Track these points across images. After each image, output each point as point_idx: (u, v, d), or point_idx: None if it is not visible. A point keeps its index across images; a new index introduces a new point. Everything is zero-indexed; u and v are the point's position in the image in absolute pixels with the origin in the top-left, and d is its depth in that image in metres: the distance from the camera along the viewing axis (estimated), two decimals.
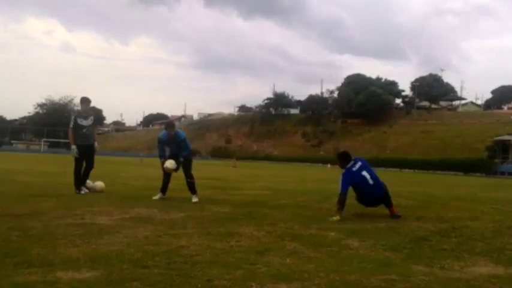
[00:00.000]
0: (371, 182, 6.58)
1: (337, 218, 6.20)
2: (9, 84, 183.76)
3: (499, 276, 3.55)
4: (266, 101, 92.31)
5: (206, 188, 10.17)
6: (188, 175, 8.22)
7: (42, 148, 75.53)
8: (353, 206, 7.93)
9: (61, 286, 2.88)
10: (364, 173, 6.60)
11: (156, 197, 8.13)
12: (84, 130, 8.71)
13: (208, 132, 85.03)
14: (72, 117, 8.90)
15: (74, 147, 8.63)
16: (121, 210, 6.45)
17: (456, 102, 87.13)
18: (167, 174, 8.29)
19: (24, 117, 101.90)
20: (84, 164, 8.79)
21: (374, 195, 6.67)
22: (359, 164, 6.67)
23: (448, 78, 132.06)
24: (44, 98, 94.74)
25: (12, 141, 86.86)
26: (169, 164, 8.06)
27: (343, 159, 6.84)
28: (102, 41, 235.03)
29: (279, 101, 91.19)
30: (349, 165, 6.68)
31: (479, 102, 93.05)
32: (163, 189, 8.32)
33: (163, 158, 8.27)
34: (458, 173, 43.15)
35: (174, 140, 8.19)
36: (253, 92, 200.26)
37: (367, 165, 6.81)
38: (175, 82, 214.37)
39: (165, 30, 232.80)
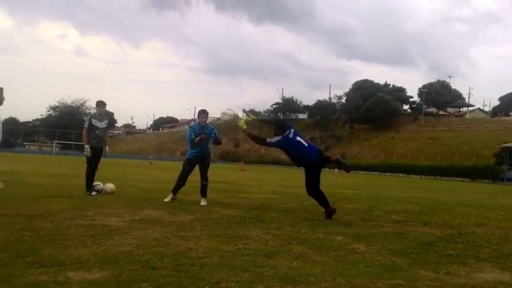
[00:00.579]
0: (306, 144, 7.02)
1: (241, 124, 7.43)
2: (22, 87, 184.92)
3: (505, 283, 3.56)
4: (275, 106, 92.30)
5: (215, 191, 10.21)
6: (205, 178, 8.31)
7: (54, 150, 75.85)
8: (360, 211, 7.96)
9: (71, 286, 2.93)
10: (299, 138, 7.00)
11: (167, 199, 8.18)
12: (97, 132, 8.86)
13: None
14: (88, 117, 9.12)
15: (87, 146, 8.76)
16: (131, 212, 6.52)
17: (464, 109, 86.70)
18: (184, 177, 8.30)
19: (37, 120, 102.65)
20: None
21: (312, 154, 6.98)
22: (293, 130, 7.03)
23: (455, 84, 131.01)
24: (56, 100, 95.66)
25: (25, 143, 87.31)
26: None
27: (280, 128, 7.12)
28: (114, 44, 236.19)
29: (288, 105, 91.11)
30: (285, 133, 6.97)
31: (486, 109, 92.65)
32: (175, 190, 8.36)
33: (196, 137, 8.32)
34: (465, 179, 42.92)
35: (205, 128, 8.31)
36: (262, 97, 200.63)
37: (298, 132, 7.20)
38: (185, 86, 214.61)
39: (177, 34, 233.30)
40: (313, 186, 7.02)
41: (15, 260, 3.51)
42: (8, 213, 5.77)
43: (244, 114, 8.17)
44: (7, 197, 7.51)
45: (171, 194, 8.32)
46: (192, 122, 8.63)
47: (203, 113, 8.42)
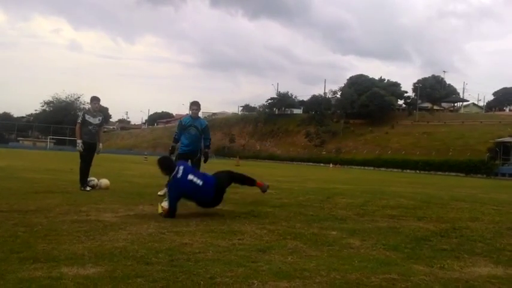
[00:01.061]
0: (200, 182, 5.98)
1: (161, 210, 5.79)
2: (16, 82, 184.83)
3: (499, 277, 3.58)
4: (270, 101, 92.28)
5: None
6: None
7: (48, 145, 75.67)
8: (355, 206, 7.99)
9: (66, 282, 2.92)
10: (190, 176, 5.99)
11: (161, 192, 8.17)
12: (90, 127, 8.87)
13: (212, 131, 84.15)
14: (81, 113, 9.18)
15: (79, 141, 8.77)
16: (125, 207, 6.52)
17: (458, 104, 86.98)
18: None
19: (31, 115, 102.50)
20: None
21: (209, 194, 6.02)
22: (181, 168, 6.06)
23: (450, 79, 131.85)
24: (50, 96, 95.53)
25: (19, 138, 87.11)
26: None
27: (164, 167, 6.15)
28: (108, 39, 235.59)
29: (283, 101, 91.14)
30: (173, 172, 6.02)
31: (481, 103, 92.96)
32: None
33: (175, 142, 8.36)
34: (460, 174, 43.19)
35: (197, 121, 8.31)
36: (257, 92, 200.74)
37: (189, 167, 6.48)
38: (180, 81, 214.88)
39: (171, 29, 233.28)
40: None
41: (9, 255, 3.50)
42: (2, 209, 5.76)
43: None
44: (1, 193, 7.50)
45: (165, 188, 8.30)
46: (182, 118, 8.58)
47: (195, 104, 8.37)
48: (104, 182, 9.25)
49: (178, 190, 5.91)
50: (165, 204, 5.92)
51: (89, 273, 3.14)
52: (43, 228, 4.62)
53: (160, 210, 5.87)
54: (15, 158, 25.52)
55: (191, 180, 5.94)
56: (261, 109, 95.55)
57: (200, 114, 8.71)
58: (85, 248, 3.86)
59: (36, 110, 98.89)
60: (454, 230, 5.78)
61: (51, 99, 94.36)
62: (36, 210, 5.80)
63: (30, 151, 50.27)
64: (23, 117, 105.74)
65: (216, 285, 2.99)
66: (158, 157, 6.42)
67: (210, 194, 6.03)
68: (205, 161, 8.59)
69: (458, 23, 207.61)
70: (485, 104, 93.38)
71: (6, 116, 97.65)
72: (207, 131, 8.50)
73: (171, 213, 5.78)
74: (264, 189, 6.91)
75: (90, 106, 9.26)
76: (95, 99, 9.11)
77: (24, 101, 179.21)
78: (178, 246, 4.10)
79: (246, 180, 6.70)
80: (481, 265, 3.99)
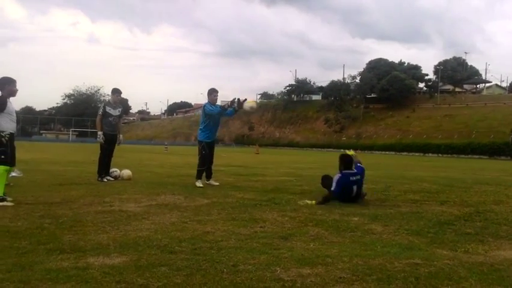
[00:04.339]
0: (353, 194, 6.56)
1: (311, 202, 6.28)
2: (37, 75, 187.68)
3: None
4: (288, 88, 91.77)
5: (230, 175, 10.26)
6: (212, 161, 8.52)
7: (70, 138, 76.90)
8: (376, 191, 7.94)
9: (92, 271, 2.97)
10: (355, 187, 6.54)
11: (199, 184, 8.20)
12: (110, 119, 8.96)
13: (231, 120, 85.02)
14: (102, 105, 9.28)
15: (100, 133, 8.88)
16: (148, 197, 6.59)
17: (480, 86, 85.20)
18: (207, 160, 8.35)
19: (52, 108, 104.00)
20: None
21: (348, 199, 6.53)
22: (357, 176, 6.64)
23: (472, 61, 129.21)
24: (71, 88, 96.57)
25: (42, 132, 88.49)
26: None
27: (346, 164, 6.77)
28: (126, 30, 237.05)
29: (301, 87, 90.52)
30: (348, 171, 6.66)
31: (504, 84, 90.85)
32: (200, 175, 8.38)
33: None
34: (483, 156, 42.50)
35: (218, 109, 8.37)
36: (275, 79, 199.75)
37: (363, 176, 6.86)
38: (198, 70, 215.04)
39: (188, 19, 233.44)
40: None
41: (36, 247, 3.58)
42: (28, 201, 5.88)
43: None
44: (26, 186, 7.65)
45: (199, 180, 8.31)
46: (205, 105, 8.59)
47: (214, 91, 8.47)
48: (126, 172, 9.36)
49: (342, 184, 6.47)
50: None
51: (114, 262, 3.19)
52: (68, 220, 4.71)
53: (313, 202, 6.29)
54: (39, 151, 25.97)
55: (352, 188, 6.54)
56: (279, 96, 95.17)
57: (219, 103, 8.75)
58: (110, 238, 3.93)
59: (57, 103, 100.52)
60: (478, 214, 5.71)
61: (71, 92, 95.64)
62: (61, 202, 5.91)
63: (53, 144, 51.14)
64: (45, 110, 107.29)
65: (239, 273, 3.01)
66: (343, 154, 7.07)
67: (352, 199, 6.55)
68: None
69: (479, 2, 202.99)
70: (508, 85, 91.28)
71: (29, 110, 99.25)
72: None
73: (327, 199, 6.35)
74: None
75: (110, 98, 9.35)
76: (116, 91, 9.21)
77: (46, 95, 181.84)
78: (201, 234, 4.14)
79: None
80: (506, 248, 3.93)
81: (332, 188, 6.47)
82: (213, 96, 8.45)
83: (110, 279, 2.83)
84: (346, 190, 6.49)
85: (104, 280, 2.81)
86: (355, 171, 6.73)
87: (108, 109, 8.97)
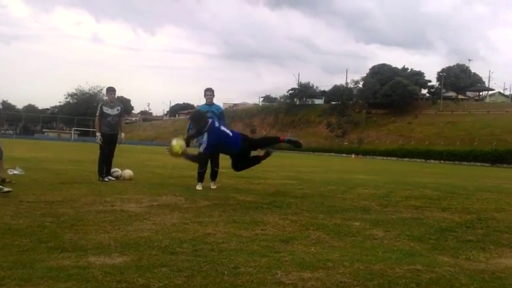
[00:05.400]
0: (230, 133, 6.76)
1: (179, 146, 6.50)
2: (41, 74, 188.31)
3: None
4: (291, 91, 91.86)
5: (231, 177, 10.25)
6: (216, 164, 8.34)
7: (72, 137, 77.04)
8: (378, 196, 7.93)
9: (93, 270, 2.96)
10: (222, 127, 6.83)
11: (199, 187, 8.08)
12: (109, 119, 8.91)
13: (234, 122, 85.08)
14: (99, 105, 9.21)
15: (98, 134, 8.87)
16: (149, 197, 6.58)
17: (483, 93, 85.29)
18: (201, 163, 7.95)
19: (55, 107, 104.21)
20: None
21: (237, 144, 6.74)
22: (215, 120, 6.94)
23: (475, 68, 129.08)
24: (74, 88, 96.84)
25: (44, 130, 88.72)
26: (176, 144, 6.63)
27: (198, 120, 6.99)
28: (130, 31, 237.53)
29: (304, 91, 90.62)
30: (209, 123, 6.80)
31: (507, 92, 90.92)
32: (201, 177, 8.20)
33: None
34: (485, 164, 42.46)
35: (213, 108, 8.29)
36: (278, 82, 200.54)
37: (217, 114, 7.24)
38: (201, 72, 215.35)
39: (192, 20, 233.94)
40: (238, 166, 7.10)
41: (37, 245, 3.57)
42: (30, 200, 5.87)
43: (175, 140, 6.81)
44: (28, 184, 7.65)
45: (199, 183, 8.17)
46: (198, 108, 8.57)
47: (209, 91, 8.42)
48: (128, 172, 9.36)
49: (217, 137, 6.59)
50: (182, 144, 6.43)
51: (115, 262, 3.19)
52: (70, 219, 4.70)
53: (179, 150, 6.24)
54: (41, 149, 26.00)
55: (224, 131, 6.75)
56: (282, 100, 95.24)
57: (222, 106, 8.71)
58: (111, 237, 3.92)
59: (60, 102, 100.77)
60: (480, 221, 5.69)
61: (74, 91, 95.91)
62: (62, 201, 5.90)
63: (55, 142, 51.25)
64: (47, 109, 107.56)
65: (239, 275, 3.00)
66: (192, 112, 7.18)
67: (238, 144, 6.70)
68: None
69: (483, 10, 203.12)
70: (511, 93, 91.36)
71: (31, 108, 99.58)
72: (223, 116, 8.48)
73: (200, 157, 6.63)
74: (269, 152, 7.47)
75: (107, 97, 9.33)
76: (110, 90, 9.17)
77: (48, 93, 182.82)
78: (202, 236, 4.13)
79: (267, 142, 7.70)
80: (508, 256, 3.92)
81: (201, 150, 6.66)
82: (205, 95, 8.42)
83: (111, 278, 2.83)
84: (223, 137, 6.66)
85: (104, 279, 2.80)
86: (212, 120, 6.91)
87: (105, 109, 8.91)
